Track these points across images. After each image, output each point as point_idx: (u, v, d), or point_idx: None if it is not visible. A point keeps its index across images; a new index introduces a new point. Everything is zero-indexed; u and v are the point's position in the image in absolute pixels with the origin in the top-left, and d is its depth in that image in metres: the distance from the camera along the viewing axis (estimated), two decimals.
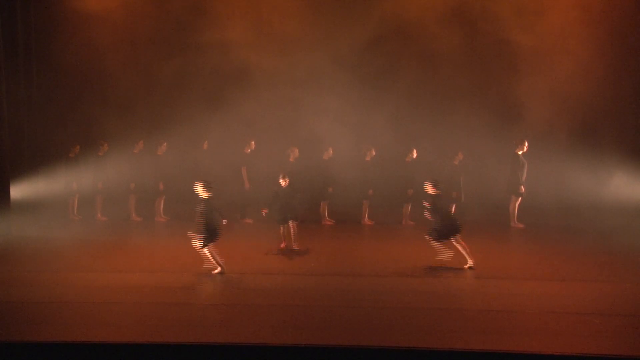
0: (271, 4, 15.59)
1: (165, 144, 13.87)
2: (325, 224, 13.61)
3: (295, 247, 10.92)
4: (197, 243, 9.28)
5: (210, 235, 9.26)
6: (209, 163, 13.90)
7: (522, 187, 13.04)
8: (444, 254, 9.91)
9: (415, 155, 13.45)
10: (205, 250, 9.32)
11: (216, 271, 9.40)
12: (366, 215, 13.69)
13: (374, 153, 13.60)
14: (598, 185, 14.55)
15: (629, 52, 15.02)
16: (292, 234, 10.98)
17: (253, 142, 13.80)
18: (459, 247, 9.84)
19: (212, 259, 9.38)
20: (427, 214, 10.01)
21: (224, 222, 9.50)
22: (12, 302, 8.09)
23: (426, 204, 9.98)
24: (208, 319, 7.61)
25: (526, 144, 13.08)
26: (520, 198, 13.22)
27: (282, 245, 11.05)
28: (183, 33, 15.64)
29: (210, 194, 9.40)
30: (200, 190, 9.40)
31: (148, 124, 15.39)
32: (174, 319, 7.54)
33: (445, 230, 9.81)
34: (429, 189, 9.92)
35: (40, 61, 15.08)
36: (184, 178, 13.87)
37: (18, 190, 13.71)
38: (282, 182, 10.94)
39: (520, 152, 13.05)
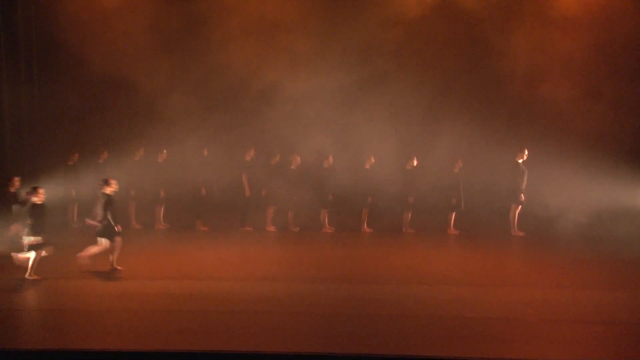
0: (276, 17, 15.58)
1: (165, 151, 13.87)
2: (325, 232, 13.60)
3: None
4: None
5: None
6: (210, 170, 13.87)
7: (522, 195, 13.05)
8: None
9: (415, 163, 13.46)
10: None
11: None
12: (365, 223, 13.68)
13: (373, 161, 13.61)
14: (599, 193, 14.53)
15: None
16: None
17: (253, 150, 13.81)
18: None
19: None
20: None
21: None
22: (12, 309, 8.08)
23: None
24: (208, 327, 7.59)
25: (526, 151, 13.10)
26: (520, 206, 13.22)
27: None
28: (186, 37, 15.63)
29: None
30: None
31: (149, 131, 15.35)
32: (175, 327, 7.53)
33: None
34: None
35: (41, 69, 15.09)
36: (184, 185, 13.89)
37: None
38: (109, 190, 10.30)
39: (520, 160, 13.07)
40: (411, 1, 15.07)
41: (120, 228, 10.08)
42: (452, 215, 13.55)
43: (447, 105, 15.50)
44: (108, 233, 9.98)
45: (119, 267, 10.07)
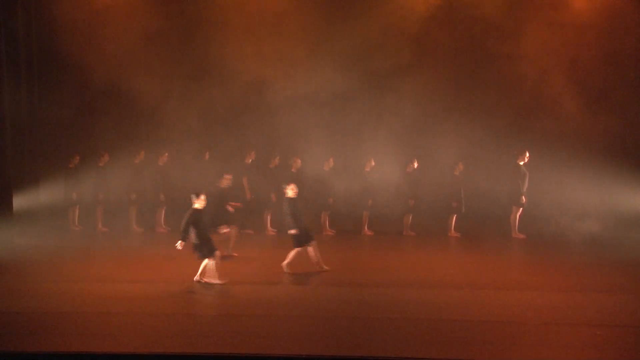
0: (276, 21, 15.57)
1: (166, 154, 13.88)
2: (326, 235, 13.59)
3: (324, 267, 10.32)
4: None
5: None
6: (210, 173, 13.85)
7: (523, 197, 13.03)
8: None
9: (416, 165, 13.46)
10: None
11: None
12: (366, 226, 13.67)
13: (373, 163, 13.61)
14: (600, 195, 14.50)
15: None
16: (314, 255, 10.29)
17: (253, 153, 13.81)
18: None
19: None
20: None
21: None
22: (13, 312, 8.08)
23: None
24: (207, 330, 7.58)
25: (527, 154, 13.09)
26: (521, 208, 13.20)
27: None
28: (186, 41, 15.64)
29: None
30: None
31: (149, 134, 15.36)
32: (173, 330, 7.52)
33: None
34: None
35: (42, 72, 15.09)
36: (185, 188, 13.87)
37: (20, 200, 13.73)
38: (291, 193, 10.18)
39: (521, 163, 13.06)
40: (413, 5, 15.09)
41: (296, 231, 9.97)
42: (452, 218, 13.54)
43: (447, 108, 15.49)
44: (300, 238, 10.00)
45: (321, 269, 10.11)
